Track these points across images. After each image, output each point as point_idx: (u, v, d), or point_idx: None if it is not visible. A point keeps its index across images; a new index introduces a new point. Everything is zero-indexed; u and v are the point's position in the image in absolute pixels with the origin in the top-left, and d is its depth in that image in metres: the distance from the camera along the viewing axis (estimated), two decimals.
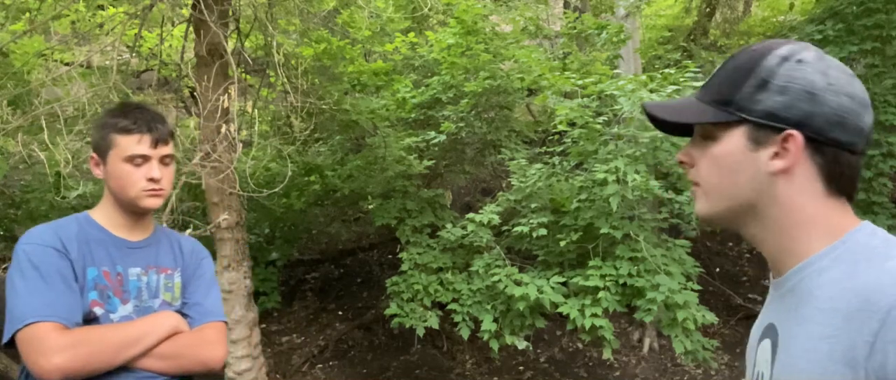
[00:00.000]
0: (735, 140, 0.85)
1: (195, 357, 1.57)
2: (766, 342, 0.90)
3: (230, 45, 4.01)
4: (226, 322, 1.70)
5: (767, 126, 0.83)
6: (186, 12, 4.18)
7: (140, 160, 1.53)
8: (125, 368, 1.47)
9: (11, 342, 1.43)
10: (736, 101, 0.85)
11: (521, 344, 4.63)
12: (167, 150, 1.58)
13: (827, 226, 0.84)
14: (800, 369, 0.81)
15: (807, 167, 0.83)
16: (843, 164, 0.83)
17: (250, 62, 4.40)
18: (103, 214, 1.61)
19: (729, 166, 0.86)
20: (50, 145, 3.43)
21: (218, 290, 1.75)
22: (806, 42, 0.89)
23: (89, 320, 1.50)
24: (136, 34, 4.46)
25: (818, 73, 0.82)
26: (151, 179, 1.54)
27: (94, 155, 1.58)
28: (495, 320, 4.51)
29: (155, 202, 1.58)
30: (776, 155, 0.83)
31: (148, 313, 1.57)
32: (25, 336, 1.40)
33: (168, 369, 1.53)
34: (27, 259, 1.45)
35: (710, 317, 4.11)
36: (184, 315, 1.64)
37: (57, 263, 1.46)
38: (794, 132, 0.81)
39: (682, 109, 0.91)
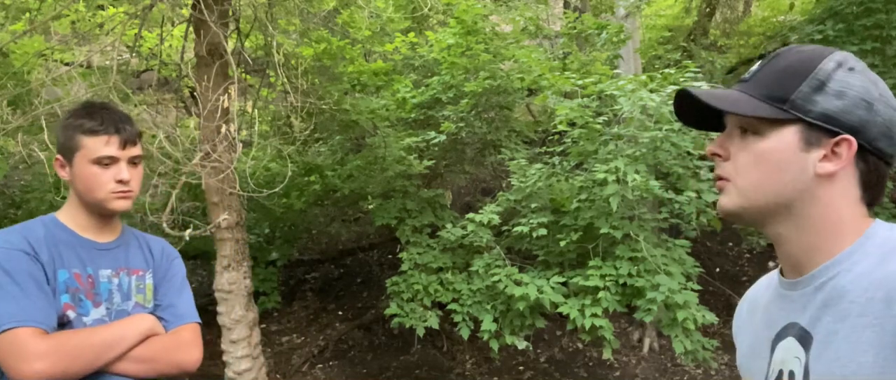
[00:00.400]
0: (787, 138, 0.86)
1: (171, 360, 1.55)
2: (791, 341, 0.89)
3: (230, 45, 4.01)
4: (200, 323, 1.68)
5: (822, 128, 0.84)
6: (186, 12, 4.18)
7: (108, 162, 1.50)
8: (101, 372, 1.45)
9: None
10: (792, 99, 0.85)
11: (521, 344, 4.63)
12: (136, 151, 1.55)
13: (856, 228, 0.86)
14: (847, 361, 0.80)
15: (850, 173, 0.85)
16: (880, 173, 0.86)
17: (250, 62, 4.40)
18: (69, 217, 1.57)
19: (775, 163, 0.86)
20: (50, 145, 3.43)
21: (190, 291, 1.72)
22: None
23: (62, 324, 1.47)
24: (136, 34, 4.46)
25: (870, 83, 0.85)
26: (120, 181, 1.51)
27: (60, 157, 1.55)
28: (495, 320, 4.51)
29: (124, 204, 1.55)
30: (826, 157, 0.84)
31: (122, 315, 1.55)
32: (4, 342, 1.37)
33: (144, 373, 1.51)
34: (1, 267, 1.42)
35: (710, 317, 4.11)
36: (157, 318, 1.62)
37: (28, 267, 1.43)
38: (851, 138, 0.83)
39: (734, 100, 0.89)
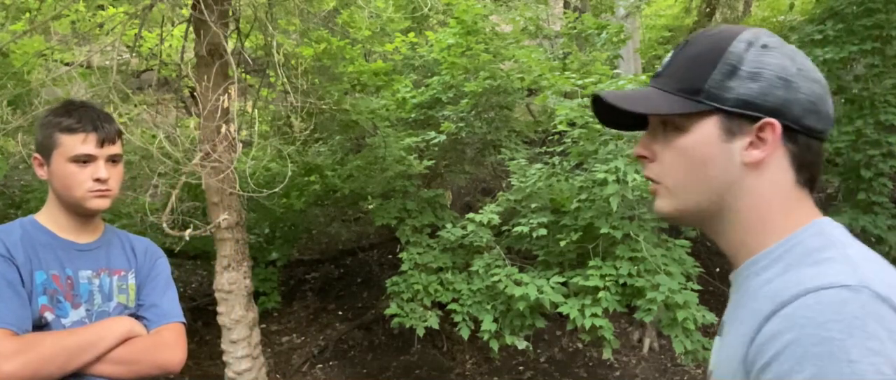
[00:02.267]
0: (707, 130, 0.80)
1: (152, 361, 1.52)
2: (718, 339, 0.88)
3: (230, 45, 4.01)
4: (184, 323, 1.65)
5: (742, 115, 0.78)
6: (186, 12, 4.18)
7: (86, 160, 1.48)
8: (79, 374, 1.43)
9: None
10: (705, 89, 0.79)
11: (521, 344, 4.63)
12: (115, 149, 1.53)
13: (785, 221, 0.79)
14: (724, 371, 0.78)
15: (780, 157, 0.79)
16: (813, 152, 0.80)
17: (250, 62, 4.40)
18: (49, 217, 1.55)
19: (699, 159, 0.81)
20: None
21: (174, 290, 1.69)
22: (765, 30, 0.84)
23: (40, 326, 1.45)
24: (136, 34, 4.46)
25: (787, 58, 0.79)
26: (98, 180, 1.49)
27: (38, 155, 1.53)
28: (495, 320, 4.51)
29: (102, 203, 1.52)
30: (751, 145, 0.78)
31: (103, 317, 1.53)
32: None
33: (124, 375, 1.48)
34: None
35: (710, 317, 4.11)
36: (140, 318, 1.60)
37: (2, 269, 1.42)
38: (773, 121, 0.77)
39: (648, 98, 0.83)
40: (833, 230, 0.78)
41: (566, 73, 5.29)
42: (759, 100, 0.77)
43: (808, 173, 0.81)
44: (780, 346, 0.65)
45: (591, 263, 4.27)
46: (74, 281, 1.52)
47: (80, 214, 1.55)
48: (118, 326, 1.51)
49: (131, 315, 1.59)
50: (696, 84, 0.80)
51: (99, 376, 1.46)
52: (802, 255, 0.75)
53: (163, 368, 1.54)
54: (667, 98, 0.82)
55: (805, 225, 0.79)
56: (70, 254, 1.53)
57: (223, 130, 3.80)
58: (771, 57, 0.78)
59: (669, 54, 0.87)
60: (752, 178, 0.79)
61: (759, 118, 0.77)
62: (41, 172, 1.54)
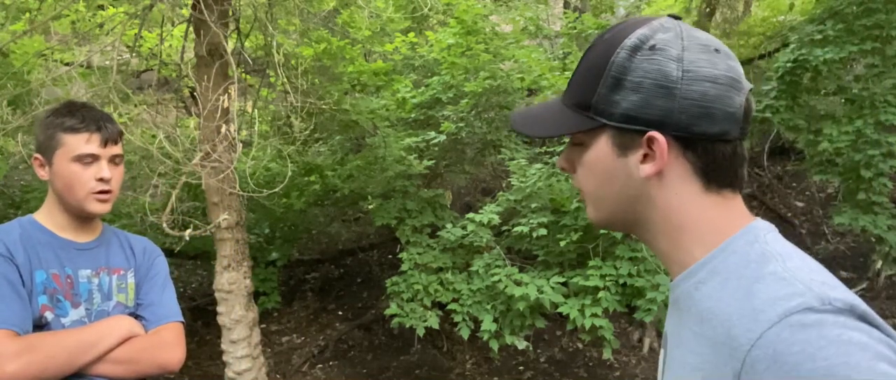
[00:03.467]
0: (602, 146, 0.77)
1: (152, 361, 1.52)
2: (662, 352, 0.84)
3: (230, 45, 4.01)
4: (183, 322, 1.66)
5: (629, 129, 0.74)
6: (186, 12, 4.18)
7: (89, 160, 1.48)
8: (79, 374, 1.44)
9: None
10: (593, 104, 0.76)
11: (521, 344, 4.63)
12: (117, 149, 1.53)
13: (710, 229, 0.75)
14: (679, 366, 0.75)
15: (678, 166, 0.74)
16: (717, 155, 0.74)
17: (250, 62, 4.40)
18: (48, 217, 1.55)
19: (602, 173, 0.79)
20: None
21: (173, 289, 1.70)
22: (670, 17, 0.78)
23: (40, 325, 1.45)
24: (136, 34, 4.45)
25: (672, 60, 0.72)
26: (101, 179, 1.49)
27: (39, 156, 1.52)
28: (495, 320, 4.51)
29: (103, 207, 1.52)
30: (645, 157, 0.75)
31: (102, 316, 1.53)
32: None
33: (124, 374, 1.49)
34: None
35: None
36: (138, 317, 1.60)
37: (3, 269, 1.41)
38: (655, 134, 0.73)
39: (545, 118, 0.82)
40: (767, 237, 0.74)
41: (566, 73, 5.29)
42: (640, 113, 0.73)
43: (720, 176, 0.75)
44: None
45: (591, 263, 4.28)
46: (74, 280, 1.51)
47: (80, 215, 1.54)
48: (119, 325, 1.51)
49: (130, 314, 1.59)
50: (587, 98, 0.77)
51: (99, 375, 1.47)
52: (740, 266, 0.71)
53: (162, 367, 1.54)
54: (564, 116, 0.80)
55: (737, 231, 0.75)
56: (69, 253, 1.53)
57: (223, 130, 3.80)
58: (653, 62, 0.72)
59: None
60: (655, 189, 0.76)
61: (645, 131, 0.74)
62: (42, 173, 1.53)
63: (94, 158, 1.49)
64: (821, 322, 0.62)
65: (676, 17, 0.78)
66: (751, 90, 0.77)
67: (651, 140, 0.73)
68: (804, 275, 0.67)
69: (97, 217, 1.59)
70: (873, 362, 0.59)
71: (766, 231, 0.75)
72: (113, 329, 1.49)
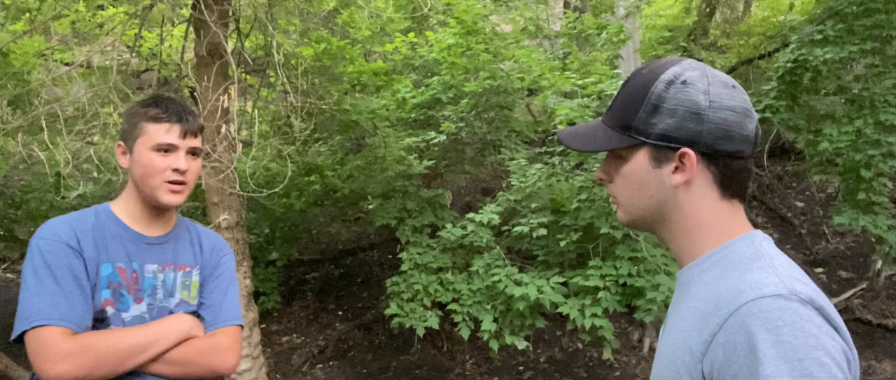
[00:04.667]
0: (640, 160, 0.96)
1: (205, 364, 1.53)
2: (662, 329, 1.05)
3: (230, 45, 4.01)
4: (241, 326, 1.66)
5: (665, 146, 0.93)
6: (186, 12, 4.18)
7: (167, 149, 1.50)
8: (133, 372, 1.44)
9: (20, 338, 1.41)
10: (634, 126, 0.95)
11: (521, 344, 4.63)
12: (196, 142, 1.55)
13: (719, 230, 0.94)
14: (663, 357, 0.95)
15: (703, 176, 0.94)
16: (733, 169, 0.94)
17: (250, 62, 4.40)
18: (123, 208, 1.56)
19: (638, 182, 0.97)
20: (50, 145, 3.43)
21: (236, 289, 1.70)
22: (694, 59, 0.99)
23: (100, 319, 1.47)
24: (136, 34, 4.45)
25: (701, 93, 0.91)
26: (177, 170, 1.50)
27: (122, 143, 1.55)
28: (495, 320, 4.51)
29: (175, 199, 1.53)
30: (676, 169, 0.94)
31: (163, 313, 1.53)
32: (32, 339, 1.38)
33: (177, 375, 1.50)
34: (40, 256, 1.42)
35: None
36: (199, 316, 1.60)
37: (69, 262, 1.43)
38: (688, 150, 0.92)
39: (593, 137, 1.01)
40: (762, 242, 0.93)
41: (566, 73, 5.29)
42: (675, 133, 0.92)
43: (734, 187, 0.95)
44: (740, 351, 0.79)
45: (591, 263, 4.27)
46: (139, 275, 1.52)
47: (155, 206, 1.55)
48: (177, 326, 1.52)
49: (191, 312, 1.59)
50: (628, 121, 0.96)
51: (152, 374, 1.48)
52: (736, 261, 0.90)
53: (215, 371, 1.55)
54: (608, 134, 0.99)
55: (739, 235, 0.94)
56: (139, 247, 1.54)
57: (223, 130, 3.80)
58: (686, 94, 0.92)
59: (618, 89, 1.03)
60: (682, 195, 0.95)
61: (679, 148, 0.92)
62: (123, 160, 1.55)
63: (173, 148, 1.51)
64: (783, 307, 0.80)
65: (699, 60, 0.99)
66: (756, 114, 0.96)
67: (683, 155, 0.92)
68: (784, 271, 0.86)
69: (170, 209, 1.59)
70: (813, 349, 0.77)
71: (762, 238, 0.94)
72: (170, 330, 1.50)
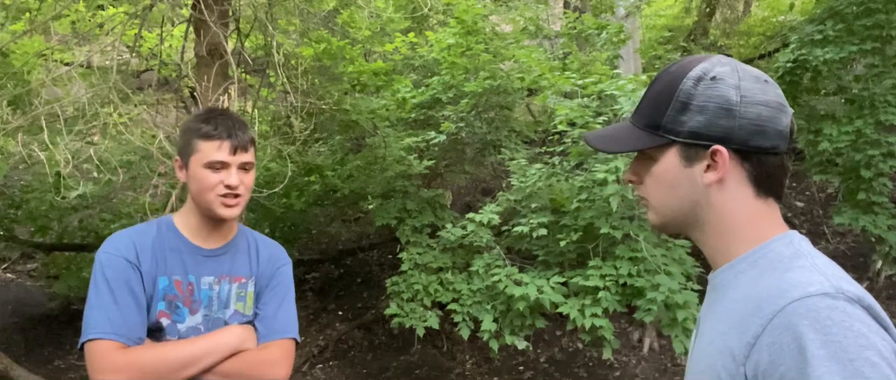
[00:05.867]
0: (670, 159, 0.93)
1: (257, 376, 1.55)
2: (695, 331, 1.01)
3: (230, 45, 4.01)
4: (295, 339, 1.66)
5: (696, 144, 0.90)
6: (186, 12, 4.18)
7: (219, 166, 1.54)
8: None
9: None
10: (663, 125, 0.92)
11: (521, 344, 4.63)
12: (247, 157, 1.58)
13: (754, 231, 0.91)
14: (699, 361, 0.91)
15: (736, 174, 0.90)
16: (769, 166, 0.90)
17: (250, 62, 4.40)
18: (183, 221, 1.61)
19: (669, 182, 0.94)
20: (50, 145, 3.43)
21: (292, 301, 1.71)
22: (723, 55, 0.95)
23: (155, 330, 1.52)
24: (136, 34, 4.46)
25: (732, 88, 0.88)
26: (229, 186, 1.54)
27: (178, 159, 1.61)
28: (495, 320, 4.51)
29: (231, 212, 1.57)
30: (708, 168, 0.90)
31: (218, 324, 1.57)
32: (88, 351, 1.45)
33: None
34: (101, 270, 1.49)
35: None
36: (255, 326, 1.63)
37: (127, 276, 1.49)
38: (720, 147, 0.88)
39: (620, 138, 0.99)
40: (801, 242, 0.90)
41: (566, 73, 5.28)
42: (706, 130, 0.89)
43: (769, 185, 0.91)
44: (787, 352, 0.76)
45: (591, 263, 4.27)
46: (195, 287, 1.56)
47: (212, 218, 1.59)
48: (227, 339, 1.55)
49: (247, 323, 1.62)
50: (657, 120, 0.93)
51: None
52: (775, 261, 0.87)
53: None
54: (636, 134, 0.96)
55: (776, 235, 0.90)
56: (196, 259, 1.58)
57: None
58: (716, 90, 0.88)
59: (643, 91, 1.02)
60: (715, 194, 0.91)
61: (710, 145, 0.89)
62: (181, 175, 1.61)
63: (224, 165, 1.54)
64: (831, 307, 0.76)
65: (728, 55, 0.95)
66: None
67: (715, 153, 0.89)
68: (827, 270, 0.83)
69: (228, 221, 1.63)
70: (864, 348, 0.74)
71: (800, 239, 0.91)
72: (220, 343, 1.53)
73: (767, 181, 0.90)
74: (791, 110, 0.91)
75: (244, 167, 1.58)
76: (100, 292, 1.48)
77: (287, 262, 1.74)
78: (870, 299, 0.79)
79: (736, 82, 0.89)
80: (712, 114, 0.88)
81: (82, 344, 1.47)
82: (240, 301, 1.62)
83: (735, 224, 0.91)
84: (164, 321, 1.53)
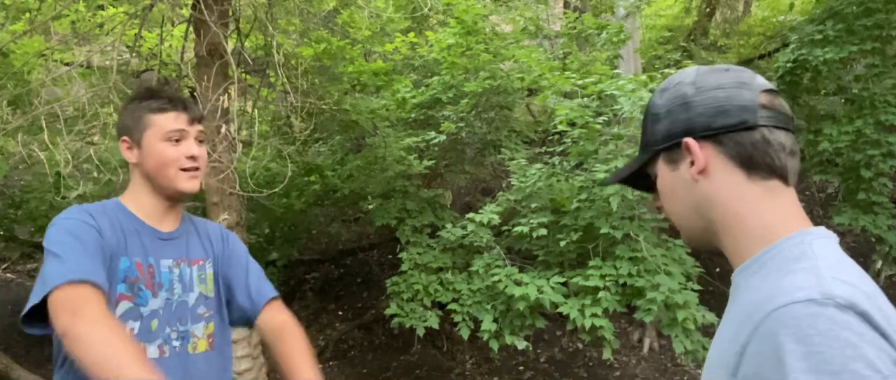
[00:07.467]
0: (662, 169, 0.97)
1: (288, 343, 1.65)
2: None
3: (230, 45, 4.01)
4: (278, 295, 1.72)
5: (671, 146, 0.93)
6: (186, 12, 4.18)
7: (178, 136, 1.52)
8: None
9: (33, 313, 1.31)
10: (646, 141, 0.98)
11: (521, 344, 4.63)
12: (201, 128, 1.57)
13: (760, 227, 0.87)
14: (707, 370, 0.89)
15: (718, 161, 0.89)
16: (746, 143, 0.87)
17: (250, 62, 4.40)
18: (135, 202, 1.56)
19: (669, 191, 0.97)
20: (50, 145, 3.43)
21: (255, 262, 1.73)
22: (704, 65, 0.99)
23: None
24: (136, 34, 4.46)
25: (687, 85, 0.92)
26: (191, 157, 1.52)
27: (127, 138, 1.54)
28: (495, 320, 4.51)
29: (194, 185, 1.54)
30: (692, 163, 0.91)
31: (183, 307, 1.54)
32: (61, 296, 1.27)
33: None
34: (61, 227, 1.39)
35: (710, 317, 4.11)
36: (232, 303, 1.64)
37: (93, 235, 1.41)
38: (686, 139, 0.90)
39: (624, 167, 1.05)
40: (814, 240, 0.84)
41: (566, 73, 5.29)
42: (673, 128, 0.93)
43: (757, 163, 0.87)
44: (768, 364, 0.72)
45: (591, 263, 4.27)
46: (155, 269, 1.53)
47: (170, 197, 1.56)
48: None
49: (210, 304, 1.61)
50: (644, 140, 0.99)
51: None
52: (781, 262, 0.83)
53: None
54: (632, 161, 1.02)
55: (789, 233, 0.86)
56: (154, 242, 1.54)
57: (223, 130, 3.80)
58: (675, 92, 0.93)
59: None
60: (706, 186, 0.91)
61: (680, 141, 0.92)
62: (130, 155, 1.55)
63: (183, 134, 1.52)
64: (816, 314, 0.72)
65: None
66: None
67: (686, 145, 0.90)
68: (827, 272, 0.77)
69: (184, 198, 1.60)
70: (851, 360, 0.68)
71: (816, 237, 0.85)
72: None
73: (751, 160, 0.87)
74: (763, 86, 0.89)
75: (199, 139, 1.56)
76: (64, 244, 1.34)
77: (234, 234, 1.76)
78: (870, 303, 0.73)
79: (692, 80, 0.92)
80: (674, 113, 0.92)
81: (45, 296, 1.28)
82: (202, 283, 1.60)
83: (738, 217, 0.88)
84: (125, 305, 1.43)
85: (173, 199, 1.57)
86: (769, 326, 0.73)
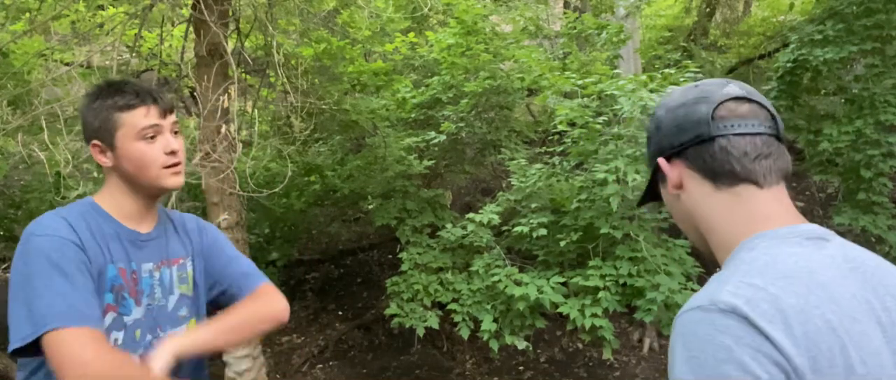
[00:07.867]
0: (660, 187, 1.04)
1: (265, 312, 1.55)
2: None
3: (230, 45, 4.01)
4: (266, 281, 1.65)
5: (654, 168, 1.01)
6: (186, 12, 4.18)
7: (152, 132, 1.40)
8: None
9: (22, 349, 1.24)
10: (647, 163, 1.06)
11: (521, 344, 4.63)
12: (174, 118, 1.46)
13: (726, 233, 0.91)
14: None
15: (688, 176, 0.95)
16: (706, 156, 0.91)
17: (250, 62, 4.40)
18: (112, 204, 1.45)
19: (668, 207, 1.03)
20: (50, 145, 3.43)
21: (238, 251, 1.67)
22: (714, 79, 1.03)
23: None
24: (136, 34, 4.46)
25: (662, 108, 0.99)
26: (172, 153, 1.42)
27: (97, 142, 1.41)
28: (495, 320, 4.51)
29: (178, 181, 1.44)
30: (669, 181, 0.98)
31: (162, 313, 1.46)
32: (56, 341, 1.22)
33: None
34: (43, 254, 1.28)
35: None
36: (224, 294, 1.59)
37: (78, 258, 1.30)
38: (658, 160, 0.98)
39: (645, 190, 1.10)
40: (758, 244, 0.86)
41: (566, 73, 5.29)
42: (652, 150, 1.01)
43: (720, 173, 0.91)
44: (671, 365, 0.79)
45: (591, 263, 4.27)
46: (138, 276, 1.44)
47: (151, 196, 1.47)
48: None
49: (192, 303, 1.56)
50: (647, 162, 1.07)
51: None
52: (722, 274, 0.86)
53: (276, 318, 1.57)
54: (647, 181, 1.08)
55: (749, 237, 0.88)
56: (135, 245, 1.44)
57: (223, 130, 3.80)
58: (654, 116, 1.01)
59: None
60: (686, 200, 0.96)
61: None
62: (103, 159, 1.44)
63: (157, 129, 1.41)
64: (699, 320, 0.77)
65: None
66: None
67: (659, 165, 0.98)
68: (734, 278, 0.80)
69: (159, 199, 1.52)
70: (722, 363, 0.72)
71: (766, 239, 0.86)
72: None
73: (713, 170, 0.91)
74: (723, 96, 0.91)
75: (175, 131, 1.46)
76: (49, 277, 1.25)
77: (209, 224, 1.69)
78: (755, 307, 0.74)
79: (665, 102, 0.99)
80: (652, 136, 1.00)
81: (39, 337, 1.21)
82: (183, 283, 1.53)
83: (711, 228, 0.94)
84: (110, 316, 1.35)
85: (156, 197, 1.49)
86: (672, 331, 0.80)
